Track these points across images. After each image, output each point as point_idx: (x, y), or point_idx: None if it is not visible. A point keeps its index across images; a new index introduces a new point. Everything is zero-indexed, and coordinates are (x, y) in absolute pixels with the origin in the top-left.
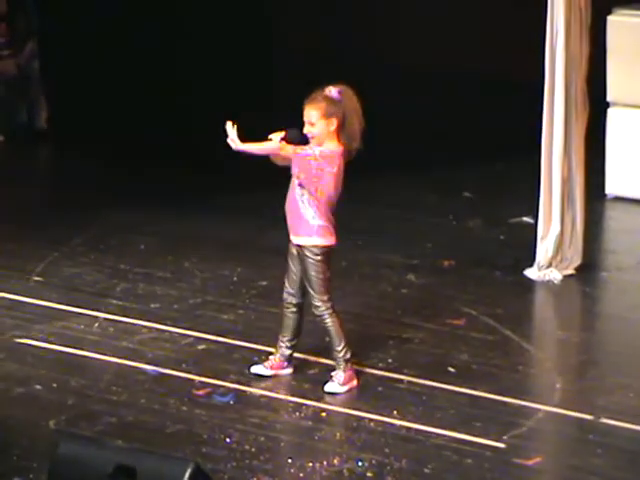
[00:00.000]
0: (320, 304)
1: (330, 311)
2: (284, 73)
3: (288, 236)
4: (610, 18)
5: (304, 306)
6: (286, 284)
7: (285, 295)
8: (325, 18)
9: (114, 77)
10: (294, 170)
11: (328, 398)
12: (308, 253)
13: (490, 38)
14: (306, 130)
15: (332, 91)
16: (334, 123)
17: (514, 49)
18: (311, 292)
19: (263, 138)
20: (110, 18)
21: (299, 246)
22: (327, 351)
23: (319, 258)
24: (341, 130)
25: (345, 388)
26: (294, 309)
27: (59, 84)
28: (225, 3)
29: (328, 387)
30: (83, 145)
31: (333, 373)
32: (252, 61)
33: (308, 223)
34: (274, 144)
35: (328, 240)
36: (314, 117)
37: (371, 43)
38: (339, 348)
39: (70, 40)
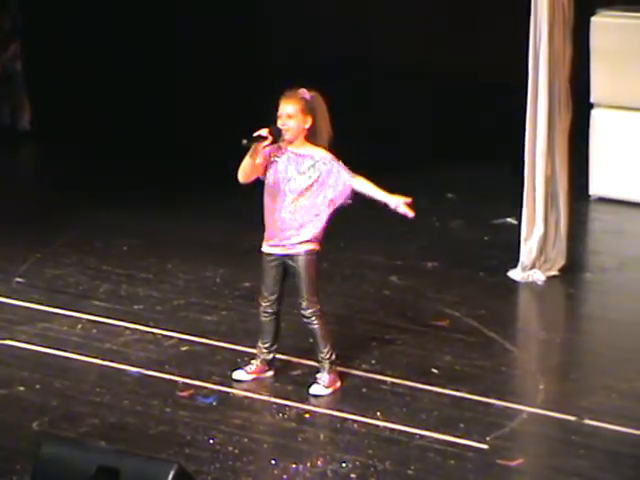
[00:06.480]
0: (310, 306)
1: (319, 313)
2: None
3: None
4: (594, 19)
5: (281, 311)
6: (265, 293)
7: (265, 303)
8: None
9: (97, 78)
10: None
11: (312, 400)
12: (304, 257)
13: (474, 39)
14: (281, 122)
15: (305, 93)
16: (309, 121)
17: (497, 50)
18: (303, 294)
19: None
20: (95, 18)
21: (291, 254)
22: (311, 352)
23: (313, 260)
24: (311, 132)
25: (329, 390)
26: (274, 316)
27: (42, 85)
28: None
29: (313, 389)
30: (66, 146)
31: (318, 375)
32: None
33: (311, 228)
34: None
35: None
36: (293, 110)
37: (360, 45)
38: (325, 350)
39: (53, 41)
